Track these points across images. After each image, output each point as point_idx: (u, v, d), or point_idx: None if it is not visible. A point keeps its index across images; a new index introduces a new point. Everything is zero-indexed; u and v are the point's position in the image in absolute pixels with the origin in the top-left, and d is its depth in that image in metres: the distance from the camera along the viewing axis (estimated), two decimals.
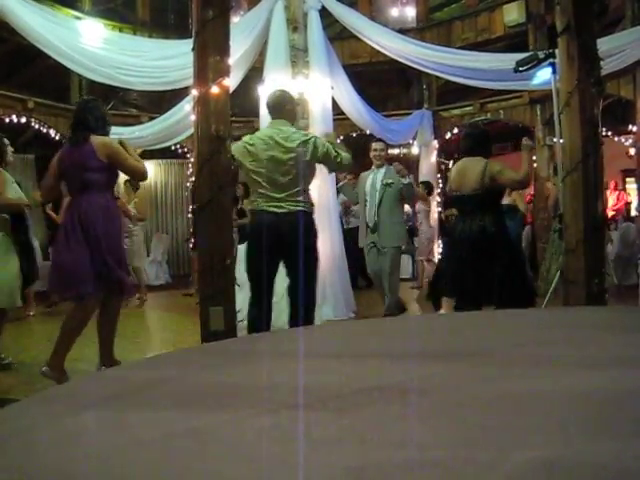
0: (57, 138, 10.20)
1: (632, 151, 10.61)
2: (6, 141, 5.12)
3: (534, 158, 9.31)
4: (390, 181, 5.94)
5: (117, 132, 10.85)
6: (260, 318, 4.15)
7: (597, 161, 4.34)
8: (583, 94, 4.26)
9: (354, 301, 7.26)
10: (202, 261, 4.15)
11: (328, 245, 6.60)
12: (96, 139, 4.07)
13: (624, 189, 13.07)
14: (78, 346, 4.99)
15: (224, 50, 4.12)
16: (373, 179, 6.08)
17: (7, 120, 9.43)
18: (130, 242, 8.50)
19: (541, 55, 4.91)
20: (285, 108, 4.48)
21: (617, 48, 8.02)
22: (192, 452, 0.80)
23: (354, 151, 6.38)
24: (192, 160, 10.31)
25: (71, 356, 4.62)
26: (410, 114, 11.49)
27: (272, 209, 4.13)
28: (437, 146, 11.54)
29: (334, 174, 7.01)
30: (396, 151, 11.77)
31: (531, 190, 10.33)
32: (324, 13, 8.15)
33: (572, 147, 4.34)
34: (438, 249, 10.38)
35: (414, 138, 11.32)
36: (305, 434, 0.84)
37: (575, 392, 1.02)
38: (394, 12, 13.31)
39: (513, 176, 4.47)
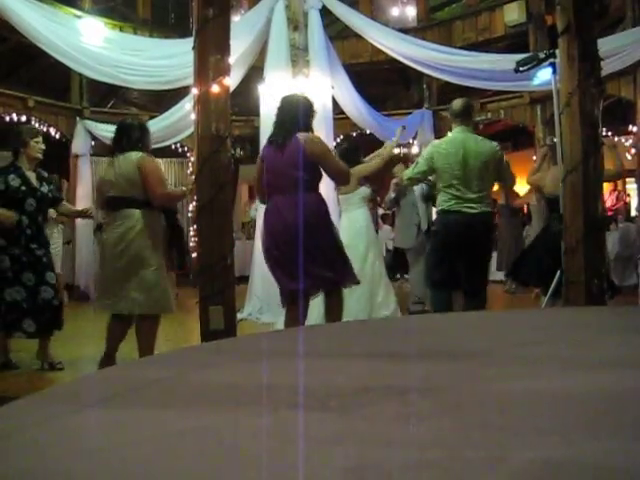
0: (57, 137, 10.21)
1: (632, 151, 10.61)
2: None
3: (534, 158, 9.32)
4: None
5: None
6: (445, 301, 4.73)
7: (597, 161, 4.35)
8: (583, 94, 4.27)
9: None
10: (202, 260, 4.15)
11: None
12: (303, 137, 4.04)
13: (624, 189, 13.07)
14: (78, 345, 5.01)
15: (224, 49, 4.12)
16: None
17: (7, 119, 9.43)
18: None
19: (541, 55, 4.90)
20: (471, 115, 4.95)
21: (617, 49, 8.03)
22: (192, 451, 0.80)
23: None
24: (192, 159, 10.31)
25: (71, 355, 4.63)
26: (410, 113, 11.49)
27: (465, 210, 4.61)
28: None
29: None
30: (396, 151, 11.77)
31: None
32: (325, 12, 8.16)
33: (572, 147, 4.34)
34: None
35: (414, 138, 11.31)
36: (305, 434, 0.84)
37: (575, 392, 1.02)
38: (395, 11, 13.31)
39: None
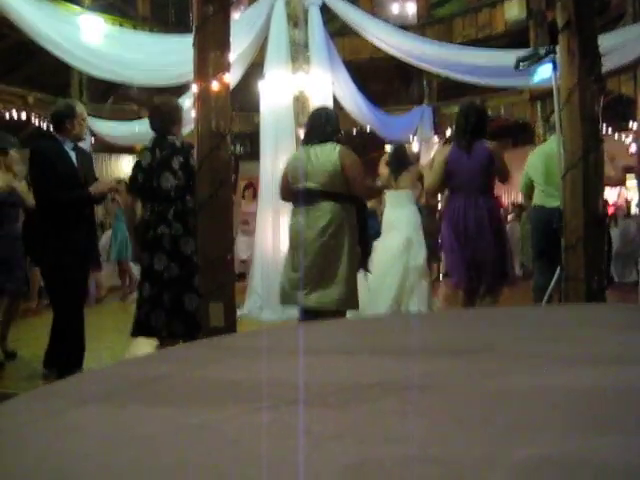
0: None
1: (633, 148, 10.60)
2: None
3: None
4: None
5: (116, 127, 10.88)
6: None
7: (597, 158, 4.34)
8: (584, 91, 4.26)
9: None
10: (202, 256, 4.15)
11: None
12: (491, 144, 4.61)
13: (624, 186, 13.07)
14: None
15: (225, 46, 4.12)
16: None
17: (7, 115, 9.42)
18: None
19: (542, 52, 4.89)
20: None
21: (618, 45, 8.02)
22: (192, 448, 0.81)
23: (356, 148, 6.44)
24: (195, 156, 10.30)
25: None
26: (410, 110, 11.49)
27: (553, 204, 4.98)
28: (437, 142, 11.54)
29: None
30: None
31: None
32: (325, 9, 8.16)
33: (572, 144, 4.34)
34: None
35: (414, 134, 11.32)
36: (305, 430, 0.84)
37: (576, 389, 1.02)
38: (395, 8, 13.30)
39: None
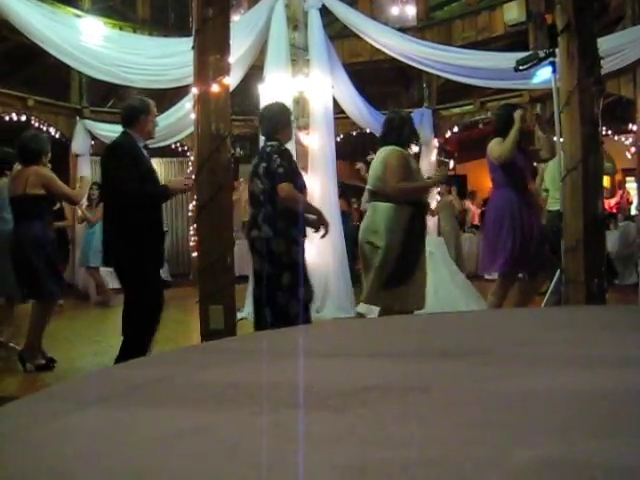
0: (57, 136, 10.19)
1: (632, 150, 10.60)
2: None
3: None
4: None
5: (116, 130, 10.86)
6: None
7: (597, 160, 4.35)
8: (583, 93, 4.27)
9: (355, 299, 7.27)
10: (202, 259, 4.15)
11: (329, 243, 6.61)
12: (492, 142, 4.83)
13: (624, 188, 13.09)
14: (77, 345, 5.01)
15: (224, 48, 4.12)
16: None
17: (7, 118, 9.42)
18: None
19: (541, 54, 4.90)
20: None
21: (617, 47, 8.03)
22: (192, 451, 0.81)
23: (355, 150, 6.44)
24: (192, 158, 10.31)
25: (71, 355, 4.63)
26: (410, 112, 11.48)
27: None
28: (437, 144, 11.54)
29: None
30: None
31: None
32: (324, 12, 8.16)
33: (572, 146, 4.34)
34: None
35: None
36: (305, 433, 0.84)
37: (576, 391, 1.02)
38: (394, 11, 13.29)
39: None
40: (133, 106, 4.28)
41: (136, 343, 3.94)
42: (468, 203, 13.39)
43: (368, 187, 4.42)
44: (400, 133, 4.51)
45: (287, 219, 4.14)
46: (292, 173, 4.20)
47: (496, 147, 4.76)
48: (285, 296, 4.16)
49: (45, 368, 4.68)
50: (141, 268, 4.01)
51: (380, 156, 4.37)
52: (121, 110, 4.43)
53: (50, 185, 4.83)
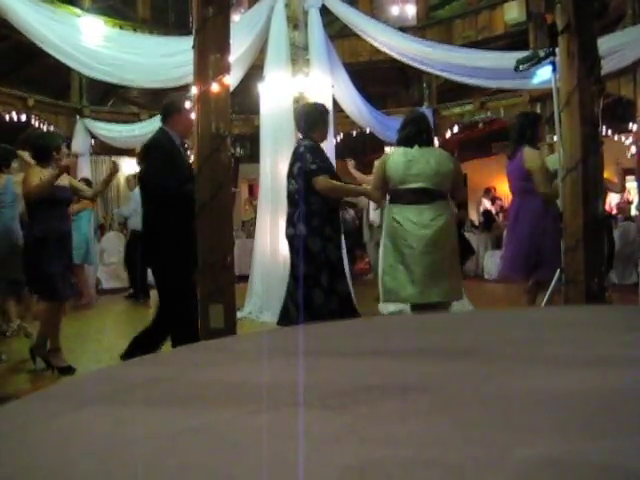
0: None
1: (632, 150, 10.60)
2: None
3: None
4: None
5: (116, 130, 10.89)
6: None
7: (597, 160, 4.35)
8: (583, 93, 4.26)
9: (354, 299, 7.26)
10: (202, 259, 4.15)
11: None
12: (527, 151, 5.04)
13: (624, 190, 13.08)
14: (78, 344, 5.01)
15: (224, 48, 4.12)
16: None
17: (7, 118, 9.43)
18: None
19: (541, 54, 4.90)
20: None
21: (617, 47, 8.03)
22: (191, 450, 0.81)
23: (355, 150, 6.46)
24: (192, 158, 10.31)
25: (70, 354, 4.63)
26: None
27: None
28: (437, 144, 11.54)
29: None
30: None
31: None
32: (324, 11, 8.17)
33: (572, 146, 4.34)
34: None
35: None
36: (305, 432, 0.84)
37: (575, 390, 1.02)
38: (395, 10, 13.30)
39: None
40: (168, 102, 4.31)
41: (183, 334, 3.95)
42: (485, 201, 13.34)
43: (427, 186, 4.34)
44: (431, 133, 4.77)
45: (322, 217, 4.23)
46: (327, 169, 4.30)
47: (533, 158, 5.07)
48: (321, 294, 4.24)
49: (67, 371, 4.62)
50: (175, 268, 4.00)
51: (441, 156, 4.46)
52: (162, 107, 4.44)
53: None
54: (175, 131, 4.22)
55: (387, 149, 11.09)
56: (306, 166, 4.23)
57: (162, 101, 4.46)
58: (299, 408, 0.96)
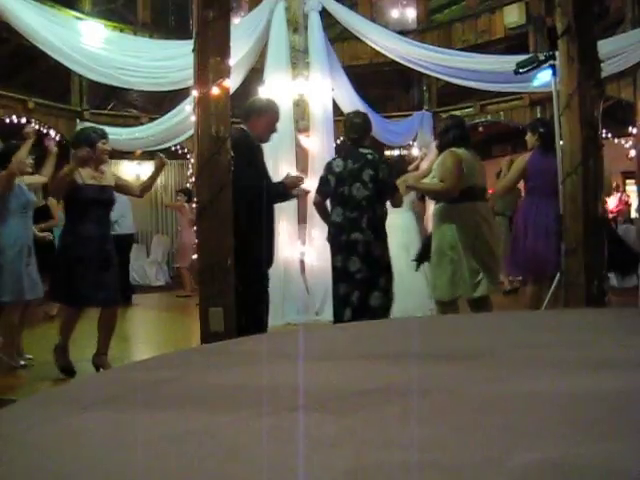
0: (57, 139, 10.19)
1: (632, 153, 10.60)
2: None
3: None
4: None
5: (117, 133, 10.90)
6: None
7: (597, 163, 4.35)
8: (583, 96, 4.26)
9: None
10: (202, 261, 4.15)
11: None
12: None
13: (624, 191, 13.08)
14: (79, 347, 4.99)
15: (225, 51, 4.12)
16: None
17: (7, 121, 9.43)
18: None
19: (541, 57, 4.90)
20: None
21: (617, 50, 8.03)
22: (192, 453, 0.81)
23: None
24: (192, 161, 10.30)
25: (71, 357, 4.62)
26: (410, 115, 11.49)
27: None
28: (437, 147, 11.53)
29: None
30: (396, 152, 11.76)
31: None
32: (325, 14, 8.16)
33: (572, 149, 4.34)
34: None
35: (414, 139, 11.31)
36: (305, 435, 0.85)
37: (576, 393, 1.02)
38: (394, 14, 13.30)
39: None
40: (249, 104, 4.35)
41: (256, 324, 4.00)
42: None
43: (483, 185, 4.69)
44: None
45: (384, 224, 4.47)
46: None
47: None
48: (380, 298, 4.36)
49: (69, 373, 4.56)
50: (250, 264, 4.01)
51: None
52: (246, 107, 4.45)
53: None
54: (253, 132, 4.22)
55: (386, 152, 11.10)
56: (384, 177, 4.43)
57: (244, 104, 4.47)
58: (299, 411, 0.96)
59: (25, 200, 4.90)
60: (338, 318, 4.39)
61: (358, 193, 4.38)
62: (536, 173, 5.04)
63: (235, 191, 4.02)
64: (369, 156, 4.45)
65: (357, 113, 4.80)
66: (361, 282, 4.34)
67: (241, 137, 4.17)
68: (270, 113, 4.31)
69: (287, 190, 4.36)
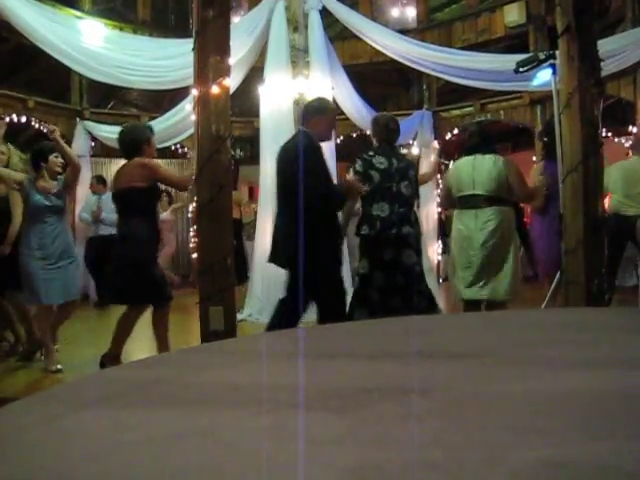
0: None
1: (631, 152, 10.59)
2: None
3: (533, 159, 9.30)
4: None
5: (117, 131, 10.87)
6: None
7: (597, 162, 4.35)
8: (583, 95, 4.27)
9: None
10: (202, 261, 4.15)
11: None
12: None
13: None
14: (78, 347, 5.00)
15: (224, 50, 4.12)
16: None
17: (7, 119, 9.42)
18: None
19: (541, 56, 4.91)
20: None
21: (617, 49, 8.03)
22: (192, 452, 0.81)
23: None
24: (192, 160, 10.30)
25: (71, 356, 4.62)
26: (410, 114, 11.48)
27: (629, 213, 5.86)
28: (437, 146, 11.54)
29: None
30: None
31: None
32: (325, 13, 8.16)
33: (572, 148, 4.34)
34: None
35: (414, 138, 11.31)
36: (305, 434, 0.84)
37: (575, 393, 1.02)
38: (395, 12, 13.29)
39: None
40: (311, 104, 4.39)
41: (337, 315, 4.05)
42: None
43: (482, 193, 4.70)
44: (494, 143, 5.13)
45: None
46: None
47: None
48: (424, 282, 4.72)
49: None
50: (321, 269, 3.97)
51: (496, 163, 4.69)
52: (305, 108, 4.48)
53: (156, 173, 4.42)
54: (315, 132, 4.16)
55: None
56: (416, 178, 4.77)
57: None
58: (299, 410, 0.96)
59: (42, 205, 4.88)
60: (375, 307, 4.48)
61: (406, 190, 4.58)
62: (554, 182, 5.07)
63: (313, 195, 3.85)
64: (409, 156, 4.82)
65: (391, 117, 4.94)
66: (419, 275, 4.61)
67: (309, 140, 4.07)
68: (329, 111, 4.40)
69: (346, 197, 4.40)
